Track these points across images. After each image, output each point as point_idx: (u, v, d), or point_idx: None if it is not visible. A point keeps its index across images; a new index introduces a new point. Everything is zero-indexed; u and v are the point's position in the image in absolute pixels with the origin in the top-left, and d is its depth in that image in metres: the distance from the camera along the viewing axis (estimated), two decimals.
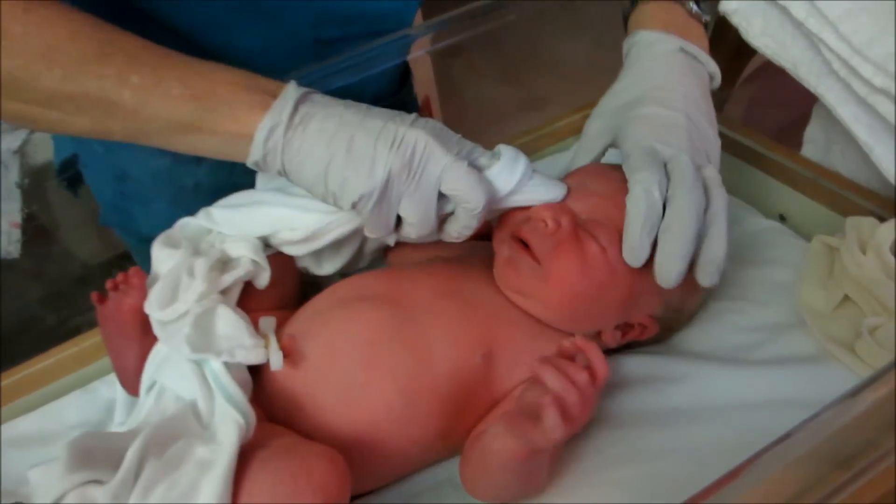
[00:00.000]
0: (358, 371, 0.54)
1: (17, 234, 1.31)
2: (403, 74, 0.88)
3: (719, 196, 0.56)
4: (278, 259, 0.60)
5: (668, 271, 0.53)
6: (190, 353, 0.51)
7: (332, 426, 0.53)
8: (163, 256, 0.58)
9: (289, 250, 0.60)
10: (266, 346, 0.54)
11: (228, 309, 0.54)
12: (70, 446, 0.47)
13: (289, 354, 0.54)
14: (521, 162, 0.55)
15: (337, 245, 0.61)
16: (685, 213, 0.53)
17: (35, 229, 1.01)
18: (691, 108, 0.61)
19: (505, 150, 0.55)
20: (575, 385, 0.46)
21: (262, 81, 0.53)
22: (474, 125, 0.58)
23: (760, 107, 0.92)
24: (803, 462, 0.43)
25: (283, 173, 0.53)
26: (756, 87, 0.92)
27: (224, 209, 0.61)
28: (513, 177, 0.54)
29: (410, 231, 0.54)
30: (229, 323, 0.54)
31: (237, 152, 0.53)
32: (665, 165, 0.56)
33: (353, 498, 0.56)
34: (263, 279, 0.59)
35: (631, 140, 0.59)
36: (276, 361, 0.53)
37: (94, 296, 0.59)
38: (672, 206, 0.54)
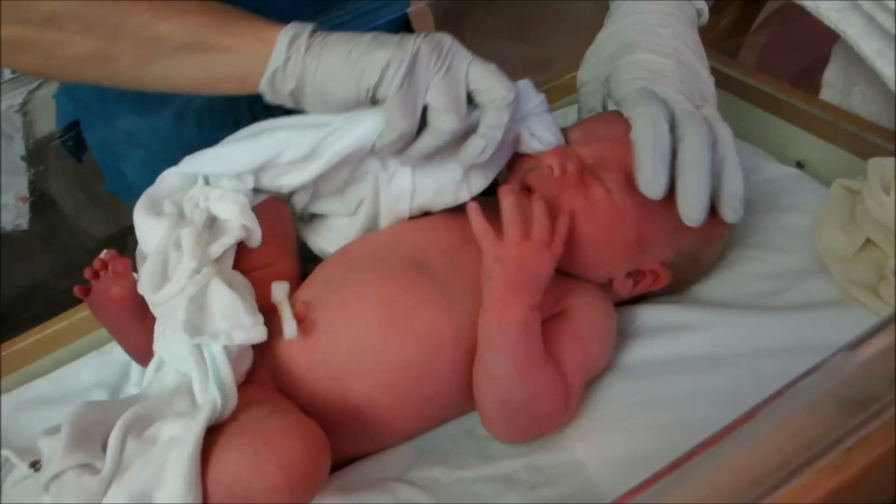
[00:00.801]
0: (374, 331, 0.53)
1: (25, 207, 1.31)
2: (405, 30, 0.86)
3: (725, 132, 0.55)
4: (270, 209, 0.57)
5: (693, 208, 0.52)
6: (189, 339, 0.49)
7: (348, 390, 0.53)
8: (146, 228, 0.54)
9: (290, 179, 0.56)
10: (280, 312, 0.53)
11: (222, 284, 0.51)
12: (70, 423, 0.47)
13: (302, 321, 0.53)
14: (541, 94, 0.56)
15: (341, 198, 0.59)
16: (699, 149, 0.52)
17: (42, 200, 1.01)
18: (682, 50, 0.60)
19: (521, 81, 0.55)
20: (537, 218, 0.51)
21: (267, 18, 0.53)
22: None
23: (775, 52, 0.90)
24: (817, 406, 0.43)
25: (298, 83, 0.51)
26: (770, 33, 0.90)
27: (215, 148, 0.57)
28: (536, 97, 0.55)
29: (442, 122, 0.50)
30: (225, 301, 0.51)
31: (253, 69, 0.51)
32: (664, 103, 0.55)
33: (370, 454, 0.56)
34: (255, 239, 0.56)
35: (624, 86, 0.58)
36: (290, 330, 0.52)
37: (77, 290, 0.56)
38: (684, 144, 0.53)
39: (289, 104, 0.54)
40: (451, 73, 0.50)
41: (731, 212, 0.54)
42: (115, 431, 0.46)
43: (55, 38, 0.49)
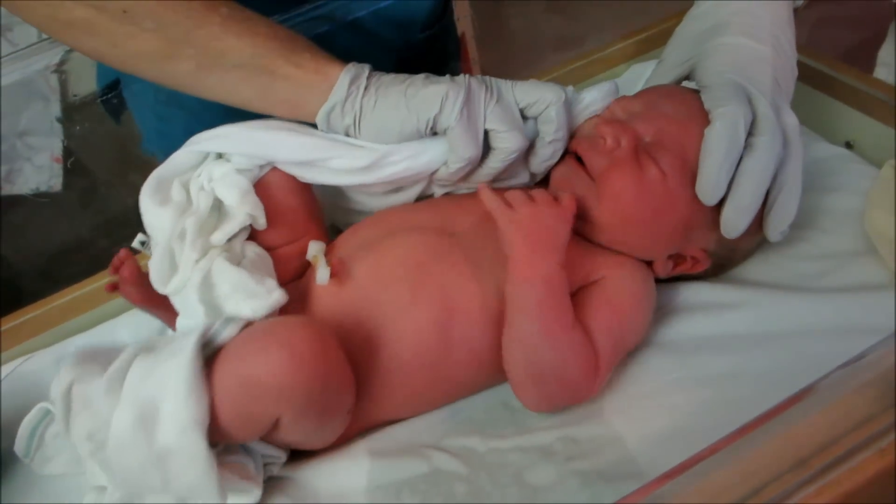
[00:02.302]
0: (405, 291, 0.53)
1: (58, 168, 1.33)
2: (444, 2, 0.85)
3: (797, 150, 0.55)
4: (280, 182, 0.56)
5: (736, 224, 0.53)
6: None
7: (377, 349, 0.53)
8: (151, 216, 0.54)
9: (337, 179, 0.56)
10: (314, 265, 0.54)
11: (225, 263, 0.52)
12: (79, 348, 0.50)
13: (336, 275, 0.54)
14: (569, 86, 0.57)
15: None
16: (763, 170, 0.52)
17: (79, 160, 1.02)
18: (777, 36, 0.58)
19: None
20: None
21: (329, 52, 0.54)
22: (518, 60, 0.57)
23: (827, 28, 0.87)
24: (867, 388, 0.42)
25: (356, 118, 0.53)
26: (823, 8, 0.87)
27: (259, 130, 0.56)
28: (567, 89, 0.56)
29: (507, 142, 0.53)
30: (233, 277, 0.51)
31: (308, 100, 0.53)
32: (749, 101, 0.54)
33: (405, 419, 0.56)
34: (261, 223, 0.55)
35: (711, 72, 0.57)
36: (323, 276, 0.53)
37: (107, 288, 0.58)
38: (752, 155, 0.52)
39: (341, 135, 0.55)
40: (502, 99, 0.53)
41: (776, 234, 0.56)
42: (124, 353, 0.47)
43: (125, 29, 0.50)
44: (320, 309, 0.54)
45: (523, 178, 0.59)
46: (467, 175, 0.55)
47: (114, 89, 0.79)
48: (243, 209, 0.54)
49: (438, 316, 0.53)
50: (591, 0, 1.40)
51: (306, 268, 0.58)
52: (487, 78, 0.54)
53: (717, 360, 0.54)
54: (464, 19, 1.57)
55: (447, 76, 0.53)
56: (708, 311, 0.57)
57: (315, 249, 0.56)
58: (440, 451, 0.53)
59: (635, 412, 0.52)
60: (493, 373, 0.55)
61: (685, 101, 0.56)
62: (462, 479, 0.51)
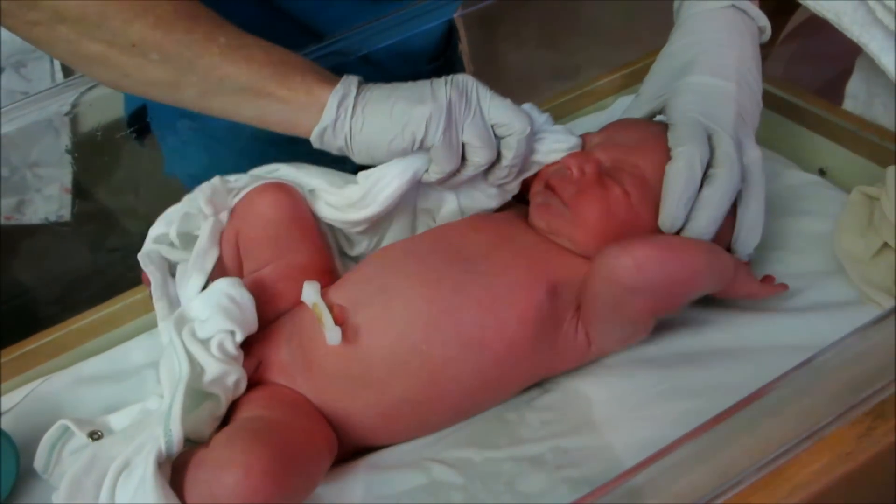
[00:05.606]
0: (418, 332, 0.54)
1: (67, 198, 1.36)
2: (448, 34, 0.90)
3: (759, 181, 0.59)
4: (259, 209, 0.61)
5: None
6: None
7: (386, 388, 0.55)
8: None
9: (334, 214, 0.62)
10: (318, 317, 0.54)
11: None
12: (66, 479, 0.51)
13: (340, 324, 0.54)
14: (546, 113, 0.62)
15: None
16: (717, 199, 0.57)
17: (90, 190, 1.05)
18: (743, 73, 0.62)
19: (525, 105, 0.61)
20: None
21: (321, 68, 0.59)
22: (512, 93, 0.61)
23: (801, 63, 0.92)
24: (825, 385, 0.48)
25: (347, 139, 0.57)
26: (797, 45, 0.92)
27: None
28: (541, 115, 0.61)
29: (479, 156, 0.57)
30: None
31: (302, 121, 0.57)
32: (710, 138, 0.58)
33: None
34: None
35: (678, 111, 0.61)
36: (334, 337, 0.53)
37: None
38: (708, 188, 0.57)
39: (335, 153, 0.59)
40: (478, 114, 0.56)
41: (744, 256, 0.61)
42: (106, 483, 0.49)
43: (134, 62, 0.54)
44: (324, 353, 0.55)
45: (489, 198, 0.63)
46: (442, 180, 0.59)
47: (141, 113, 0.81)
48: (224, 330, 0.55)
49: (453, 352, 0.54)
50: (582, 36, 1.45)
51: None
52: (470, 85, 0.57)
53: (698, 374, 0.57)
54: (461, 55, 1.62)
55: (429, 92, 0.56)
56: (689, 328, 0.61)
57: (311, 294, 0.55)
58: (438, 462, 0.55)
59: (623, 423, 0.55)
60: (501, 396, 0.58)
61: (637, 128, 0.62)
62: (459, 488, 0.53)
